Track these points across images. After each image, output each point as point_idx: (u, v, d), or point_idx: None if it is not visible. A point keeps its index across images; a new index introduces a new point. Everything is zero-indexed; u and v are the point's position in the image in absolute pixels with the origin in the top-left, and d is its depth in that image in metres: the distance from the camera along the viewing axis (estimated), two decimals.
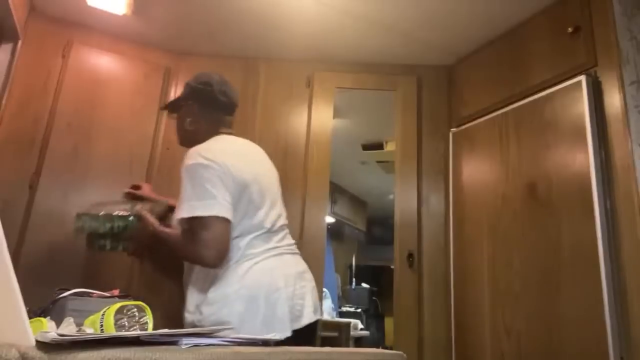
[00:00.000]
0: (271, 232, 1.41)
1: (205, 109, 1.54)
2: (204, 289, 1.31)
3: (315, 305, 1.39)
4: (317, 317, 1.39)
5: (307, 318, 1.33)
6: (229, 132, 1.56)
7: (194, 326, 1.28)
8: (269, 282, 1.31)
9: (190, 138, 1.49)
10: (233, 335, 0.92)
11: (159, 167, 2.39)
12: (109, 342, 0.64)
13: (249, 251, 1.33)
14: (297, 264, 1.46)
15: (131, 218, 1.48)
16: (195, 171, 1.29)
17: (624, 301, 1.53)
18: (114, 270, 2.14)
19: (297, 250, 1.52)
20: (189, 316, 1.32)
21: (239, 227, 1.32)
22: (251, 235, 1.35)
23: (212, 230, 1.24)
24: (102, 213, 1.49)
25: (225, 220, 1.25)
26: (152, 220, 1.44)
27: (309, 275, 1.47)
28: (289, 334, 1.26)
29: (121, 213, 1.49)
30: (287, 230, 1.52)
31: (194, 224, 1.26)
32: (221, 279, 1.29)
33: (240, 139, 1.55)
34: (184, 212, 1.26)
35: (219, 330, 0.90)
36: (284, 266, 1.39)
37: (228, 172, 1.29)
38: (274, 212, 1.44)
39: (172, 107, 1.64)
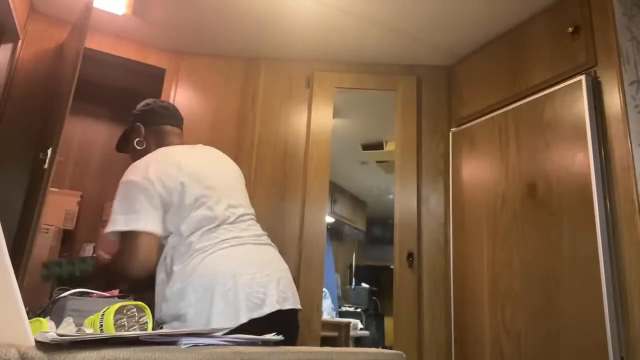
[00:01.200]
0: (228, 223, 1.41)
1: (150, 126, 1.61)
2: (164, 287, 1.33)
3: (282, 294, 1.34)
4: (288, 306, 1.34)
5: (270, 307, 1.29)
6: (177, 142, 1.62)
7: (159, 324, 1.29)
8: (224, 270, 1.30)
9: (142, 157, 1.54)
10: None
11: None
12: (108, 342, 0.64)
13: (201, 244, 1.34)
14: (261, 253, 1.44)
15: (90, 258, 1.53)
16: (123, 188, 1.37)
17: (623, 301, 1.53)
18: None
19: (266, 241, 1.49)
20: (156, 314, 1.33)
21: (183, 226, 1.35)
22: (203, 229, 1.36)
23: (135, 243, 1.31)
24: (64, 259, 1.53)
25: (148, 234, 1.32)
26: (101, 252, 1.50)
27: (277, 265, 1.44)
28: (243, 320, 1.23)
29: (83, 256, 1.54)
30: (251, 222, 1.50)
31: (119, 238, 1.34)
32: (177, 275, 1.31)
33: (186, 146, 1.60)
34: (108, 226, 1.34)
35: (218, 330, 0.90)
36: (243, 255, 1.38)
37: (156, 183, 1.36)
38: (226, 204, 1.44)
39: (124, 142, 1.69)
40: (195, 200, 1.38)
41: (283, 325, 1.31)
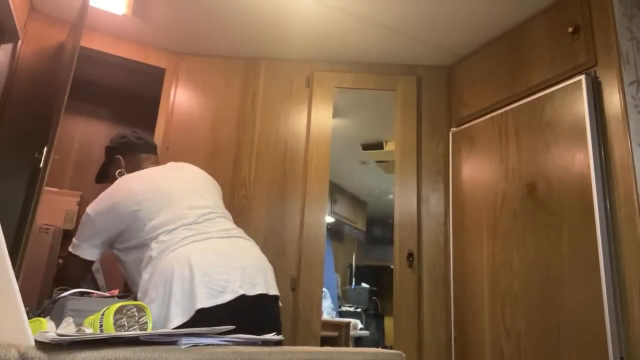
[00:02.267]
0: (190, 223, 1.47)
1: (127, 157, 1.74)
2: (137, 291, 1.41)
3: (249, 280, 1.37)
4: (256, 292, 1.37)
5: (232, 293, 1.31)
6: (152, 165, 1.76)
7: None
8: (181, 263, 1.34)
9: None
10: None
11: None
12: (108, 342, 0.64)
13: (163, 246, 1.40)
14: (226, 245, 1.47)
15: None
16: (83, 218, 1.57)
17: (623, 301, 1.53)
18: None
19: (236, 234, 1.53)
20: None
21: (140, 240, 1.47)
22: (163, 234, 1.43)
23: (74, 264, 1.57)
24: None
25: (83, 261, 1.55)
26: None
27: (245, 253, 1.47)
28: (199, 306, 1.26)
29: None
30: (219, 219, 1.55)
31: (69, 255, 1.58)
32: (144, 277, 1.39)
33: (151, 168, 1.72)
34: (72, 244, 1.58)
35: (218, 330, 0.90)
36: (205, 248, 1.41)
37: (111, 212, 1.51)
38: (185, 206, 1.51)
39: (104, 174, 1.82)
40: (150, 213, 1.48)
41: (254, 310, 1.35)
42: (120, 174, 1.69)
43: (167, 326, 1.23)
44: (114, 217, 1.51)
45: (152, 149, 1.82)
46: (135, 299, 1.41)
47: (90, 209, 1.56)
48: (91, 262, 1.59)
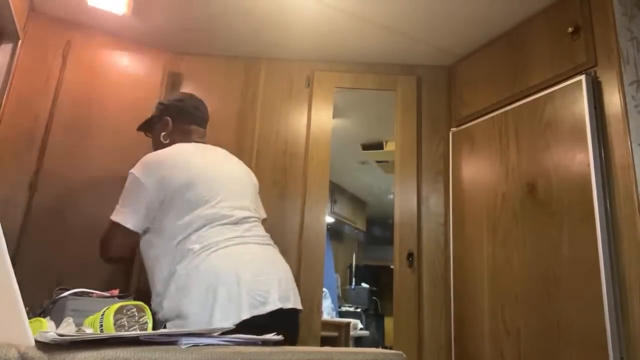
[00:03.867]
0: (232, 223, 1.42)
1: (177, 123, 1.67)
2: (166, 284, 1.34)
3: (283, 294, 1.36)
4: (289, 306, 1.36)
5: (272, 305, 1.30)
6: (199, 141, 1.68)
7: (160, 322, 1.30)
8: (227, 268, 1.31)
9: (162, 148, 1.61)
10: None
11: None
12: (108, 342, 0.64)
13: (204, 242, 1.35)
14: (264, 253, 1.45)
15: None
16: (128, 180, 1.46)
17: (624, 301, 1.53)
18: (114, 270, 2.14)
19: (268, 242, 1.51)
20: (157, 312, 1.34)
21: (183, 224, 1.38)
22: (204, 228, 1.38)
23: (112, 233, 1.45)
24: None
25: (127, 230, 1.42)
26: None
27: (279, 265, 1.45)
28: (245, 317, 1.24)
29: None
30: (255, 224, 1.51)
31: (109, 225, 1.47)
32: (180, 273, 1.32)
33: (202, 145, 1.65)
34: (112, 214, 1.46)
35: (218, 330, 0.90)
36: (246, 254, 1.39)
37: (157, 183, 1.41)
38: (230, 206, 1.46)
39: (147, 126, 1.76)
40: (198, 199, 1.40)
41: (284, 324, 1.33)
42: (165, 137, 1.64)
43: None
44: (163, 186, 1.40)
45: (204, 122, 1.73)
46: (151, 286, 1.39)
47: (138, 171, 1.44)
48: (135, 237, 1.44)
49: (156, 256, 1.41)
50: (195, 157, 1.53)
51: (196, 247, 1.34)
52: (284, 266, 1.47)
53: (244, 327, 1.20)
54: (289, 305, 1.36)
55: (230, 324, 1.21)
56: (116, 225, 1.43)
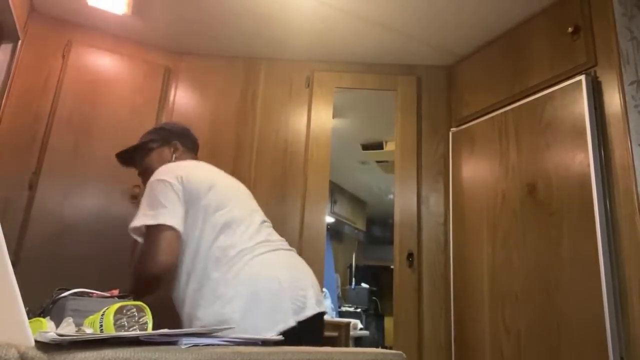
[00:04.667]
0: (255, 226, 1.42)
1: (184, 147, 1.66)
2: (199, 295, 1.29)
3: (317, 297, 1.38)
4: (321, 309, 1.37)
5: (311, 309, 1.31)
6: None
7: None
8: (269, 275, 1.31)
9: None
10: (233, 334, 0.92)
11: None
12: (108, 342, 0.63)
13: (238, 247, 1.33)
14: (293, 258, 1.46)
15: None
16: (152, 187, 1.37)
17: (623, 301, 1.53)
18: (114, 270, 2.14)
19: (291, 248, 1.51)
20: (191, 323, 1.29)
21: (206, 227, 1.35)
22: (230, 231, 1.36)
23: (159, 237, 1.28)
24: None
25: (172, 230, 1.29)
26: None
27: (308, 269, 1.46)
28: (292, 324, 1.24)
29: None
30: (272, 228, 1.52)
31: (146, 233, 1.32)
32: (217, 281, 1.28)
33: (200, 162, 1.65)
34: (136, 221, 1.32)
35: (218, 330, 0.90)
36: (280, 260, 1.39)
37: (185, 183, 1.37)
38: (249, 210, 1.47)
39: (141, 153, 1.65)
40: (219, 202, 1.39)
41: (319, 326, 1.36)
42: (177, 159, 1.61)
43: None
44: (187, 187, 1.36)
45: (196, 150, 1.74)
46: (175, 282, 1.34)
47: (160, 176, 1.38)
48: (179, 240, 1.31)
49: (184, 261, 1.35)
50: (209, 168, 1.55)
51: (231, 252, 1.31)
52: (310, 270, 1.48)
53: (285, 333, 1.20)
54: (322, 309, 1.38)
55: (276, 331, 1.20)
56: (158, 228, 1.28)
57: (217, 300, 1.25)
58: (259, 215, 1.51)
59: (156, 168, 1.51)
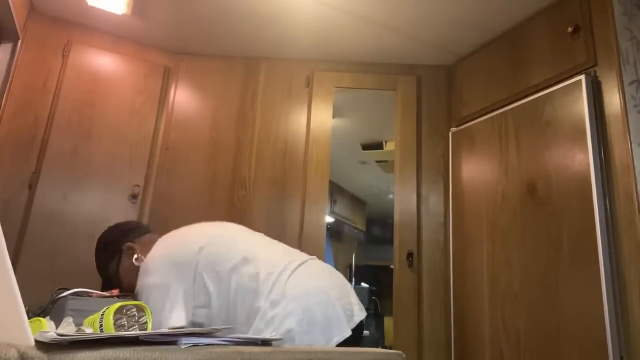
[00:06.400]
0: (267, 247, 1.39)
1: (137, 239, 1.53)
2: (248, 324, 1.23)
3: (359, 303, 1.36)
4: (364, 314, 1.35)
5: (358, 316, 1.29)
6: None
7: None
8: (313, 287, 1.26)
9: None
10: (232, 335, 0.92)
11: (158, 167, 2.39)
12: (108, 342, 0.63)
13: (265, 270, 1.27)
14: (325, 267, 1.43)
15: None
16: (148, 292, 1.30)
17: (623, 301, 1.53)
18: None
19: (312, 256, 1.45)
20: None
21: (226, 274, 1.28)
22: (252, 260, 1.30)
23: None
24: None
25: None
26: None
27: (340, 275, 1.43)
28: (349, 333, 1.22)
29: None
30: (281, 243, 1.48)
31: None
32: (264, 307, 1.22)
33: (175, 231, 1.51)
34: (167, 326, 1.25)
35: (218, 331, 0.90)
36: (315, 271, 1.36)
37: (174, 270, 1.30)
38: (249, 237, 1.43)
39: (113, 279, 1.55)
40: (221, 251, 1.33)
41: (362, 331, 1.33)
42: (139, 260, 1.46)
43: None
44: (181, 267, 1.29)
45: (148, 228, 1.63)
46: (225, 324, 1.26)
47: (147, 279, 1.31)
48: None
49: (219, 313, 1.28)
50: (188, 230, 1.45)
51: (262, 277, 1.25)
52: (341, 274, 1.45)
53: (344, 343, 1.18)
54: (365, 313, 1.36)
55: (334, 344, 1.17)
56: None
57: (271, 325, 1.19)
58: (262, 237, 1.46)
59: (133, 278, 1.42)
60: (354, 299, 1.33)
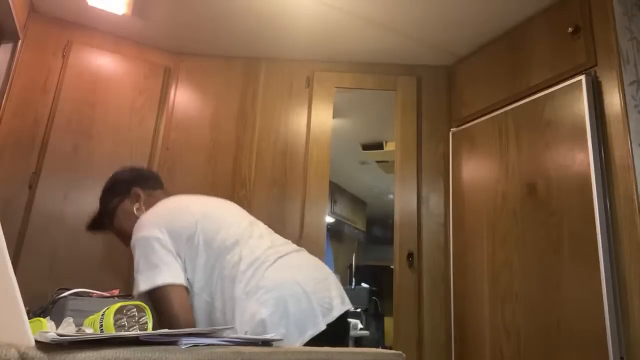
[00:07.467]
0: (257, 237, 1.36)
1: (145, 192, 1.50)
2: (226, 319, 1.24)
3: (341, 295, 1.34)
4: (346, 307, 1.33)
5: (337, 310, 1.28)
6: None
7: None
8: (289, 279, 1.26)
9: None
10: (233, 335, 0.92)
11: (158, 167, 2.39)
12: (108, 342, 0.63)
13: (247, 259, 1.27)
14: (307, 259, 1.41)
15: None
16: (138, 247, 1.27)
17: (623, 301, 1.53)
18: (114, 270, 2.14)
19: (300, 247, 1.45)
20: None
21: (211, 254, 1.28)
22: (237, 247, 1.30)
23: (165, 300, 1.21)
24: None
25: (175, 286, 1.22)
26: None
27: (325, 268, 1.41)
28: (323, 327, 1.21)
29: None
30: (274, 234, 1.46)
31: (152, 298, 1.23)
32: (240, 297, 1.22)
33: (177, 196, 1.49)
34: (136, 288, 1.23)
35: (218, 330, 0.90)
36: (297, 262, 1.35)
37: (168, 232, 1.28)
38: (247, 223, 1.40)
39: (106, 216, 1.52)
40: (215, 227, 1.32)
41: (344, 325, 1.32)
42: (139, 211, 1.44)
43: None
44: (177, 233, 1.27)
45: (162, 184, 1.59)
46: (210, 311, 1.27)
47: (140, 233, 1.28)
48: (186, 291, 1.25)
49: (199, 304, 1.28)
50: (188, 200, 1.44)
51: (242, 267, 1.25)
52: (326, 267, 1.43)
53: (315, 338, 1.18)
54: (347, 306, 1.35)
55: (308, 337, 1.17)
56: (162, 291, 1.20)
57: (243, 316, 1.19)
58: (257, 224, 1.44)
59: (127, 227, 1.41)
60: (335, 293, 1.31)
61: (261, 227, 1.43)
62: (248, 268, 1.25)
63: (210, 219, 1.34)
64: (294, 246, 1.44)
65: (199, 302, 1.27)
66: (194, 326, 1.24)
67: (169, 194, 1.53)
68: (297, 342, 1.15)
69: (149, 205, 1.44)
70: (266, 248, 1.33)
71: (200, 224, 1.30)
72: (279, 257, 1.31)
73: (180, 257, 1.27)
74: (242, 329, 1.18)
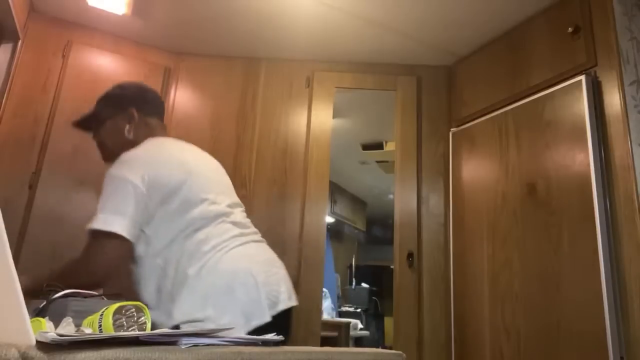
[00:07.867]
0: (231, 221, 1.36)
1: (142, 115, 1.45)
2: (176, 291, 1.24)
3: (289, 291, 1.35)
4: (292, 303, 1.34)
5: (283, 304, 1.29)
6: (164, 135, 1.51)
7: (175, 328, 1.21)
8: (242, 268, 1.27)
9: (129, 148, 1.35)
10: (234, 335, 0.92)
11: None
12: (108, 342, 0.63)
13: (213, 242, 1.28)
14: (265, 251, 1.42)
15: None
16: (113, 182, 1.25)
17: (623, 301, 1.53)
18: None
19: (262, 239, 1.46)
20: (165, 321, 1.22)
21: (184, 224, 1.27)
22: (207, 227, 1.30)
23: (106, 245, 1.20)
24: None
25: (123, 239, 1.20)
26: None
27: (279, 263, 1.42)
28: (268, 319, 1.22)
29: None
30: (248, 220, 1.46)
31: (96, 236, 1.22)
32: (194, 278, 1.24)
33: (177, 140, 1.48)
34: (92, 222, 1.22)
35: (218, 331, 0.90)
36: (254, 253, 1.37)
37: (148, 184, 1.24)
38: (228, 202, 1.39)
39: (94, 122, 1.48)
40: (195, 197, 1.31)
41: (287, 321, 1.33)
42: (129, 133, 1.40)
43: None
44: (155, 186, 1.23)
45: (163, 114, 1.53)
46: (157, 289, 1.27)
47: (121, 171, 1.24)
48: (128, 248, 1.23)
49: (151, 265, 1.27)
50: (182, 152, 1.40)
51: (205, 247, 1.26)
52: (281, 262, 1.45)
53: (259, 328, 1.19)
54: (293, 303, 1.36)
55: (252, 327, 1.18)
56: (106, 236, 1.18)
57: (190, 296, 1.21)
58: (236, 207, 1.42)
59: (111, 143, 1.40)
60: (284, 288, 1.32)
61: (237, 213, 1.42)
62: (210, 250, 1.27)
63: (196, 187, 1.31)
64: (258, 237, 1.44)
65: (152, 264, 1.27)
66: (106, 283, 1.22)
67: (164, 126, 1.51)
68: (242, 330, 1.16)
69: (138, 131, 1.41)
70: (232, 235, 1.33)
71: (183, 190, 1.27)
72: (239, 245, 1.33)
73: (147, 210, 1.24)
74: (189, 309, 1.20)
